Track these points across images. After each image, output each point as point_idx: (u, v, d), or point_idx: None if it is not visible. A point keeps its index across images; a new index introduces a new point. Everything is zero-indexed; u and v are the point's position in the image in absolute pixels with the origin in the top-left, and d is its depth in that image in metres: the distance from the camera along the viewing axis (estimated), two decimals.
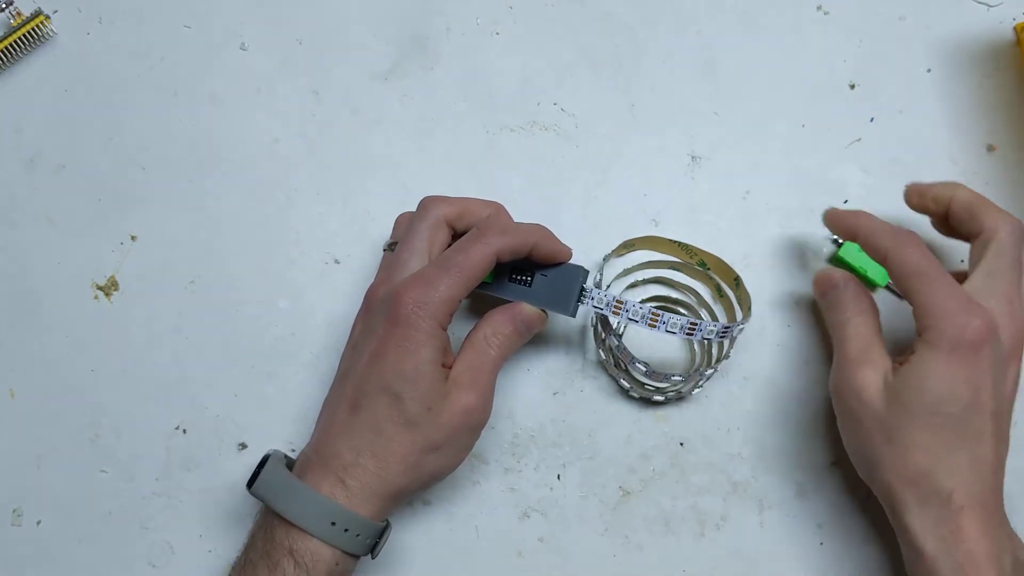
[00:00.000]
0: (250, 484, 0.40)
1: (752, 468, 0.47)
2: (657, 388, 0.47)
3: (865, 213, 0.43)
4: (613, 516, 0.47)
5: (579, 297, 0.43)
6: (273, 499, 0.39)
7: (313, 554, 0.39)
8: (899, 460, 0.39)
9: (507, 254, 0.41)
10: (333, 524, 0.39)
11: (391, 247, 0.44)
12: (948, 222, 0.44)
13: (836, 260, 0.48)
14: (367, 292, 0.43)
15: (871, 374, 0.41)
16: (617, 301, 0.42)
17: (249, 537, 0.41)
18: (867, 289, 0.44)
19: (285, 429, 0.48)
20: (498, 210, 0.44)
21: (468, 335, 0.42)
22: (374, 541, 0.41)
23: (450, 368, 0.41)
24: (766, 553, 0.47)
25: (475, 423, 0.41)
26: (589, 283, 0.44)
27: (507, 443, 0.48)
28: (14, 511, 0.48)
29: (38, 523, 0.48)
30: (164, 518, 0.47)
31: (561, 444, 0.48)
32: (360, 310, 0.43)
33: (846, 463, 0.47)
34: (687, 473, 0.47)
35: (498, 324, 0.42)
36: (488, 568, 0.47)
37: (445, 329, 0.40)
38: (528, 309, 0.43)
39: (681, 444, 0.47)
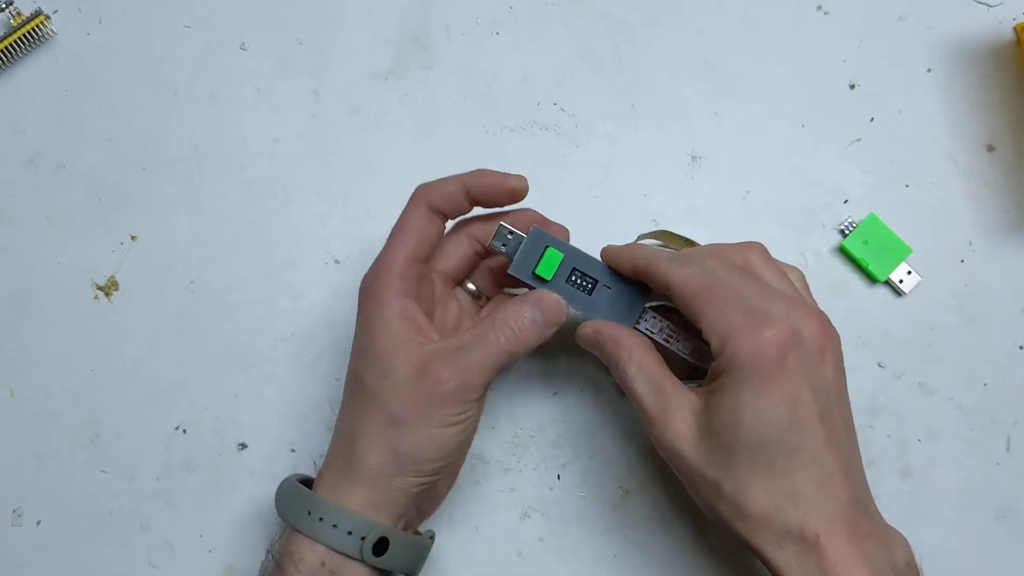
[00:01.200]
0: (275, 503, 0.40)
1: None
2: None
3: (640, 244, 0.41)
4: (613, 516, 0.47)
5: (639, 317, 0.41)
6: (285, 511, 0.39)
7: (297, 554, 0.37)
8: (737, 509, 0.35)
9: (439, 202, 0.39)
10: (309, 513, 0.37)
11: None
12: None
13: (840, 252, 0.48)
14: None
15: (678, 424, 0.37)
16: (670, 330, 0.41)
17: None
18: (629, 330, 0.40)
19: (285, 429, 0.48)
20: (473, 174, 0.41)
21: (484, 317, 0.41)
22: (370, 541, 0.37)
23: (426, 335, 0.39)
24: None
25: (440, 394, 0.37)
26: (648, 304, 0.41)
27: (507, 443, 0.48)
28: (14, 511, 0.48)
29: (38, 523, 0.48)
30: (164, 518, 0.47)
31: (561, 444, 0.48)
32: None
33: None
34: None
35: (514, 311, 0.39)
36: (488, 568, 0.47)
37: (410, 296, 0.39)
38: (550, 297, 0.39)
39: None
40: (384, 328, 0.38)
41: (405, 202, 0.49)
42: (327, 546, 0.37)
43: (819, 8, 0.51)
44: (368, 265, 0.49)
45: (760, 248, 0.40)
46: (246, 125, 0.50)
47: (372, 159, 0.50)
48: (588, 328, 0.41)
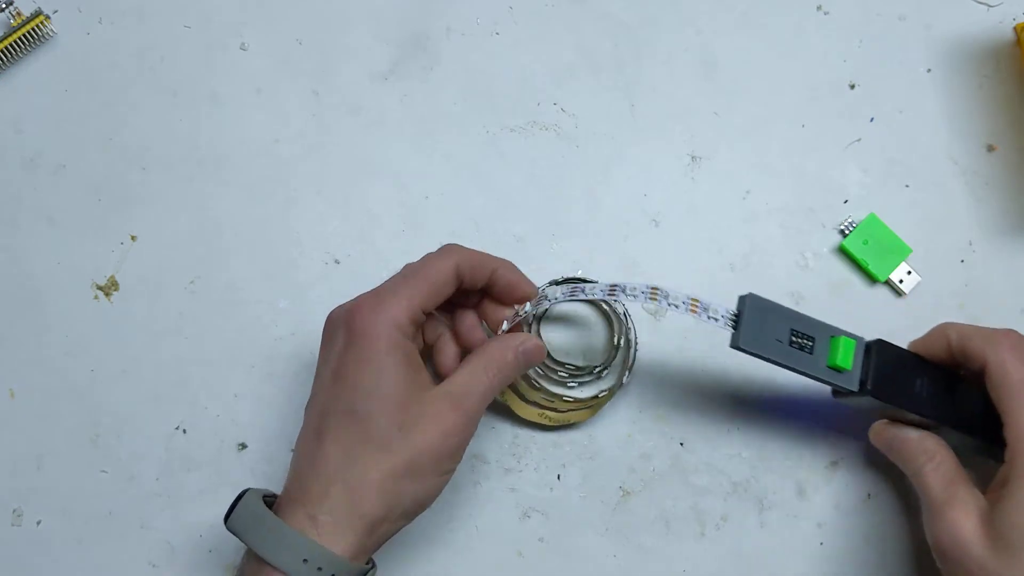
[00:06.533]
0: (226, 519, 0.38)
1: (752, 468, 0.47)
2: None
3: (950, 324, 0.42)
4: (613, 516, 0.47)
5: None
6: (247, 534, 0.37)
7: None
8: None
9: (466, 267, 0.40)
10: (305, 561, 0.35)
11: None
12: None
13: (840, 252, 0.48)
14: (329, 314, 0.41)
15: (962, 517, 0.38)
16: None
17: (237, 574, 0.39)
18: (928, 433, 0.41)
19: (285, 429, 0.48)
20: (505, 264, 0.42)
21: (467, 358, 0.41)
22: None
23: (427, 381, 0.39)
24: (766, 553, 0.47)
25: (454, 447, 0.38)
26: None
27: (507, 443, 0.48)
28: (14, 511, 0.48)
29: (38, 523, 0.48)
30: (164, 518, 0.47)
31: (561, 445, 0.48)
32: (323, 331, 0.41)
33: (846, 463, 0.47)
34: (687, 473, 0.47)
35: (499, 351, 0.40)
36: (488, 568, 0.47)
37: (412, 340, 0.38)
38: (531, 342, 0.41)
39: (681, 444, 0.47)
40: (397, 373, 0.37)
41: (404, 202, 0.49)
42: None
43: (819, 8, 0.51)
44: (368, 265, 0.49)
45: None
46: (246, 125, 0.50)
47: (372, 159, 0.50)
48: (890, 429, 0.42)
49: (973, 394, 0.41)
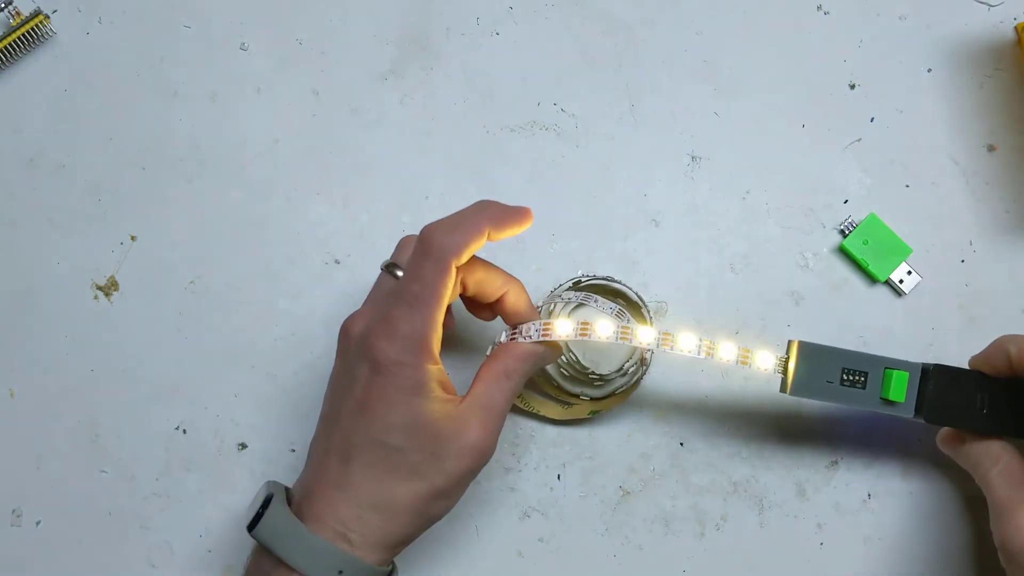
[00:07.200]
0: (252, 526, 0.37)
1: (752, 468, 0.47)
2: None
3: (1010, 336, 0.41)
4: (613, 516, 0.47)
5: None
6: (278, 544, 0.37)
7: None
8: None
9: (466, 256, 0.38)
10: (340, 573, 0.36)
11: (390, 268, 0.41)
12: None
13: (840, 252, 0.48)
14: (345, 323, 0.40)
15: None
16: None
17: None
18: (995, 437, 0.42)
19: (285, 429, 0.48)
20: (514, 287, 0.41)
21: (485, 366, 0.40)
22: None
23: (453, 396, 0.38)
24: (766, 553, 0.47)
25: (483, 464, 0.39)
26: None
27: (507, 443, 0.48)
28: (14, 511, 0.48)
29: (38, 523, 0.48)
30: (164, 518, 0.47)
31: (561, 444, 0.48)
32: (338, 344, 0.41)
33: (846, 463, 0.47)
34: (687, 473, 0.47)
35: (518, 359, 0.40)
36: (488, 568, 0.47)
37: (437, 362, 0.38)
38: (549, 345, 0.41)
39: (681, 444, 0.47)
40: (427, 406, 0.37)
41: (404, 202, 0.49)
42: None
43: (819, 8, 0.51)
44: (368, 265, 0.49)
45: None
46: (246, 125, 0.50)
47: (372, 159, 0.50)
48: (953, 433, 0.43)
49: None
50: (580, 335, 0.40)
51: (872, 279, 0.48)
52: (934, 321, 0.48)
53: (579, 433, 0.48)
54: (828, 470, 0.47)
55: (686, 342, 0.40)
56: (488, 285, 0.40)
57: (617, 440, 0.47)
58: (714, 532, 0.47)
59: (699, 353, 0.41)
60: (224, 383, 0.48)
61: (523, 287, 0.41)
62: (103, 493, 0.48)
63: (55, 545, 0.47)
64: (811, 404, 0.48)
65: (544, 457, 0.47)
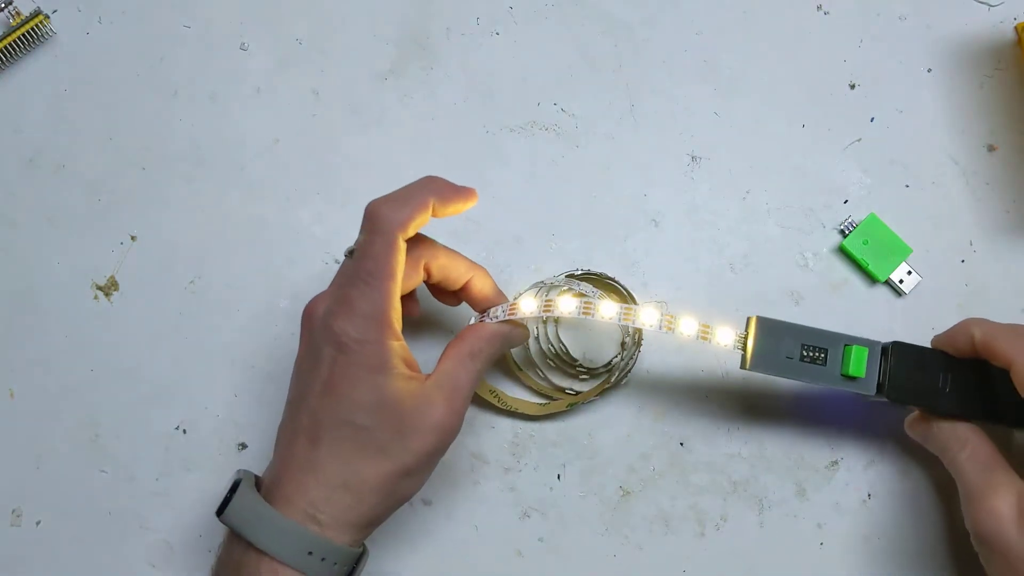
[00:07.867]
0: (220, 511, 0.38)
1: (752, 468, 0.47)
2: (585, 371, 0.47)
3: (971, 321, 0.42)
4: (613, 516, 0.47)
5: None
6: (246, 528, 0.37)
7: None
8: None
9: (412, 229, 0.38)
10: (310, 554, 0.37)
11: (351, 254, 0.40)
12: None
13: (840, 252, 0.49)
14: (307, 307, 0.40)
15: (1000, 503, 0.38)
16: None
17: (216, 565, 0.39)
18: (963, 422, 0.42)
19: None
20: (479, 274, 0.42)
21: (451, 345, 0.40)
22: (350, 568, 0.39)
23: (417, 374, 0.39)
24: (766, 553, 0.47)
25: (448, 443, 0.39)
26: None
27: (507, 443, 0.48)
28: (14, 511, 0.48)
29: (38, 523, 0.48)
30: (164, 518, 0.47)
31: (561, 444, 0.48)
32: (302, 327, 0.41)
33: (846, 463, 0.47)
34: (687, 473, 0.47)
35: (484, 339, 0.40)
36: (488, 568, 0.47)
37: (399, 338, 0.38)
38: (516, 328, 0.41)
39: (681, 444, 0.47)
40: (393, 384, 0.38)
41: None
42: (303, 571, 0.37)
43: (819, 8, 0.51)
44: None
45: None
46: (246, 125, 0.50)
47: (372, 159, 0.50)
48: (921, 419, 0.43)
49: (1006, 384, 0.40)
50: (544, 311, 0.40)
51: (872, 279, 0.48)
52: (934, 321, 0.48)
53: (579, 433, 0.48)
54: (828, 470, 0.47)
55: (648, 316, 0.41)
56: (452, 271, 0.41)
57: (617, 440, 0.47)
58: (714, 532, 0.47)
59: (660, 327, 0.41)
60: (224, 383, 0.48)
61: (488, 274, 0.42)
62: (103, 493, 0.48)
63: (55, 545, 0.47)
64: (811, 404, 0.48)
65: (544, 457, 0.47)
